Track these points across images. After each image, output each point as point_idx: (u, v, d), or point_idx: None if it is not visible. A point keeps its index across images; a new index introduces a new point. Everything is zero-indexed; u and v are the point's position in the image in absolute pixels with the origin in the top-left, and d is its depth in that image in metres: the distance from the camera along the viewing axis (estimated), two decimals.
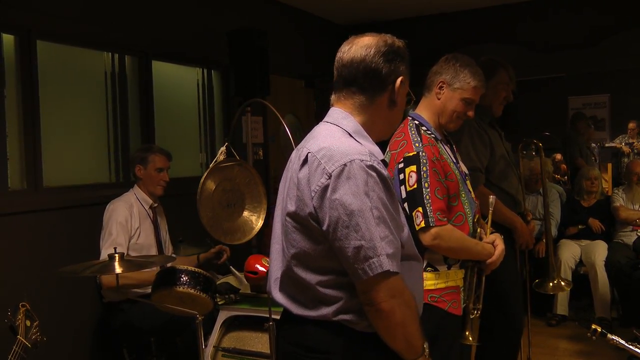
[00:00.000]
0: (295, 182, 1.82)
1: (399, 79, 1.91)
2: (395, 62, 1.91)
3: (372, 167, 1.75)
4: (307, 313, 1.84)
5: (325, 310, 1.81)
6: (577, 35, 7.04)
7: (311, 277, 1.81)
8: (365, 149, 1.80)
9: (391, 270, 1.71)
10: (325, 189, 1.73)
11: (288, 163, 1.94)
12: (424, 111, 2.80)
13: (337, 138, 1.83)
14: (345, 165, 1.73)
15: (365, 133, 1.90)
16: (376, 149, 1.87)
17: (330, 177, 1.73)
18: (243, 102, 4.74)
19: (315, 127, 1.98)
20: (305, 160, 1.81)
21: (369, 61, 1.88)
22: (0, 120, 3.96)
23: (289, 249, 1.84)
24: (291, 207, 1.82)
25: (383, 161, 1.84)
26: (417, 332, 1.82)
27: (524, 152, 4.56)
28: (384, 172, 1.78)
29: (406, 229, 1.90)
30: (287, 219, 1.84)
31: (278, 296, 1.94)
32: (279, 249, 1.93)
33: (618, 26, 6.88)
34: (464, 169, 2.85)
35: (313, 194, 1.76)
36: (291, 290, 1.89)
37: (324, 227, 1.74)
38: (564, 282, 4.21)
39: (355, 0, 6.87)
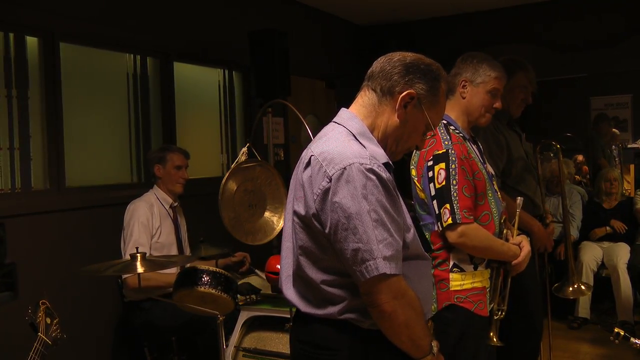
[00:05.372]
0: (301, 184, 1.85)
1: (407, 92, 1.89)
2: (413, 76, 1.90)
3: (371, 170, 1.76)
4: (314, 311, 1.88)
5: (332, 309, 1.84)
6: (599, 34, 6.96)
7: (317, 276, 1.85)
8: (366, 152, 1.82)
9: (388, 272, 1.73)
10: (326, 192, 1.76)
11: (298, 162, 1.96)
12: (450, 112, 2.81)
13: (340, 141, 1.85)
14: (345, 168, 1.75)
15: (371, 135, 1.91)
16: (379, 152, 1.88)
17: (330, 180, 1.76)
18: (264, 103, 4.75)
19: (324, 127, 2.01)
20: (309, 163, 1.85)
21: (390, 64, 1.92)
22: (23, 121, 4.01)
23: (298, 247, 1.88)
24: (298, 208, 1.86)
25: (386, 164, 1.85)
26: (422, 332, 1.84)
27: (543, 153, 4.51)
28: (384, 174, 1.79)
29: (412, 230, 1.93)
30: (295, 218, 1.88)
31: (289, 293, 1.97)
32: (289, 246, 1.97)
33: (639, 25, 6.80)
34: (490, 169, 2.87)
35: (315, 197, 1.79)
36: (301, 288, 1.93)
37: (326, 230, 1.78)
38: (584, 286, 4.09)
39: (376, 1, 6.87)
